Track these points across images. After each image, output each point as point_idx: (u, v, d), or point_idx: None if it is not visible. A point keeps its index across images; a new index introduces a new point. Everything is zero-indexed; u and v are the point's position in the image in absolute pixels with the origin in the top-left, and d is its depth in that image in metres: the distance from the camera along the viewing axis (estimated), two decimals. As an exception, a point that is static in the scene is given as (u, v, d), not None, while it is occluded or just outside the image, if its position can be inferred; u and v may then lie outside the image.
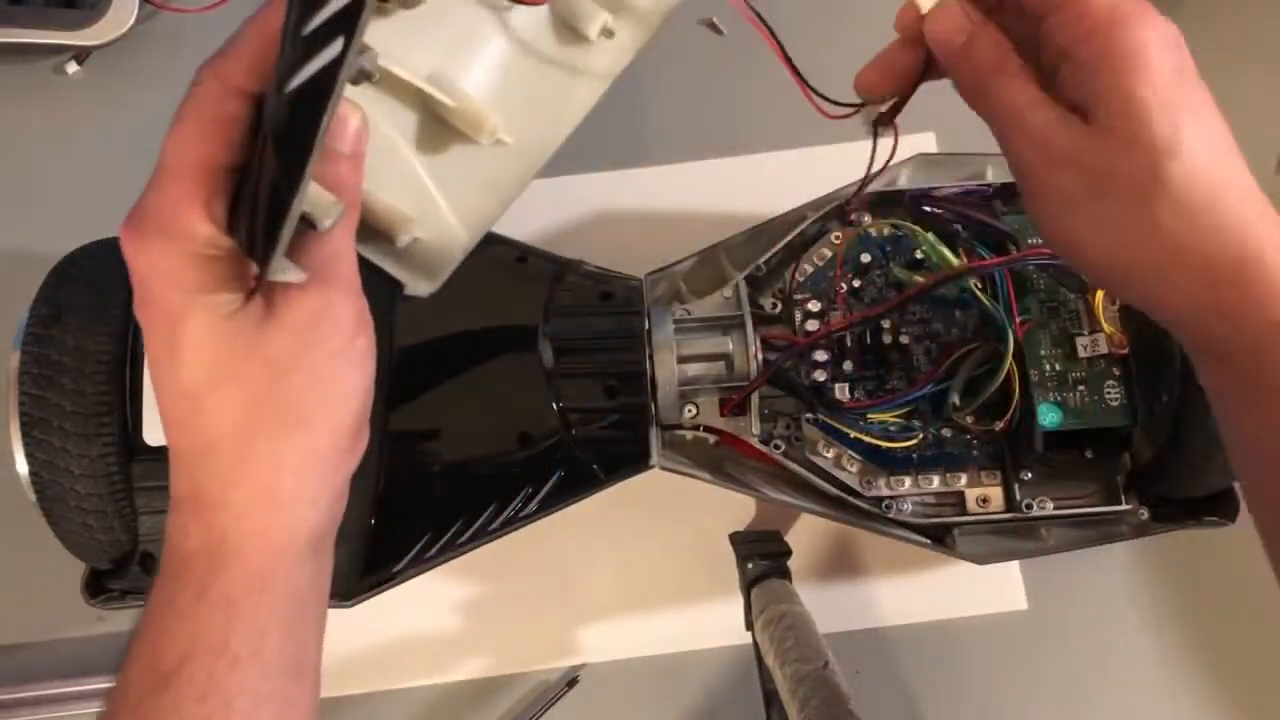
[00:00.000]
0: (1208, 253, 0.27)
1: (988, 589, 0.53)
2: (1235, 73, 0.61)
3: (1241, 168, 0.28)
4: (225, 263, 0.26)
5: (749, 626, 0.48)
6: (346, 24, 0.23)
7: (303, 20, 0.24)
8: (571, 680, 0.53)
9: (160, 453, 0.40)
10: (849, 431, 0.45)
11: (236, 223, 0.26)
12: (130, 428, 0.41)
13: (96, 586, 0.43)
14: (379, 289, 0.34)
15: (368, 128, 0.28)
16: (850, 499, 0.45)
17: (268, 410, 0.27)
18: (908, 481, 0.45)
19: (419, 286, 0.34)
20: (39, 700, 0.53)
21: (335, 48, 0.23)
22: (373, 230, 0.31)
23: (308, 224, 0.26)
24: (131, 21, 0.60)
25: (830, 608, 0.53)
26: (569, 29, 0.33)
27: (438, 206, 0.33)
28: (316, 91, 0.23)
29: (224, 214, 0.26)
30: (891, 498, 0.45)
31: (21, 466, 0.40)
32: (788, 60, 0.34)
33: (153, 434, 0.41)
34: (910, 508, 0.45)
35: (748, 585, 0.48)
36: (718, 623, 0.53)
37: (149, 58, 0.63)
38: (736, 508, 0.54)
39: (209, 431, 0.27)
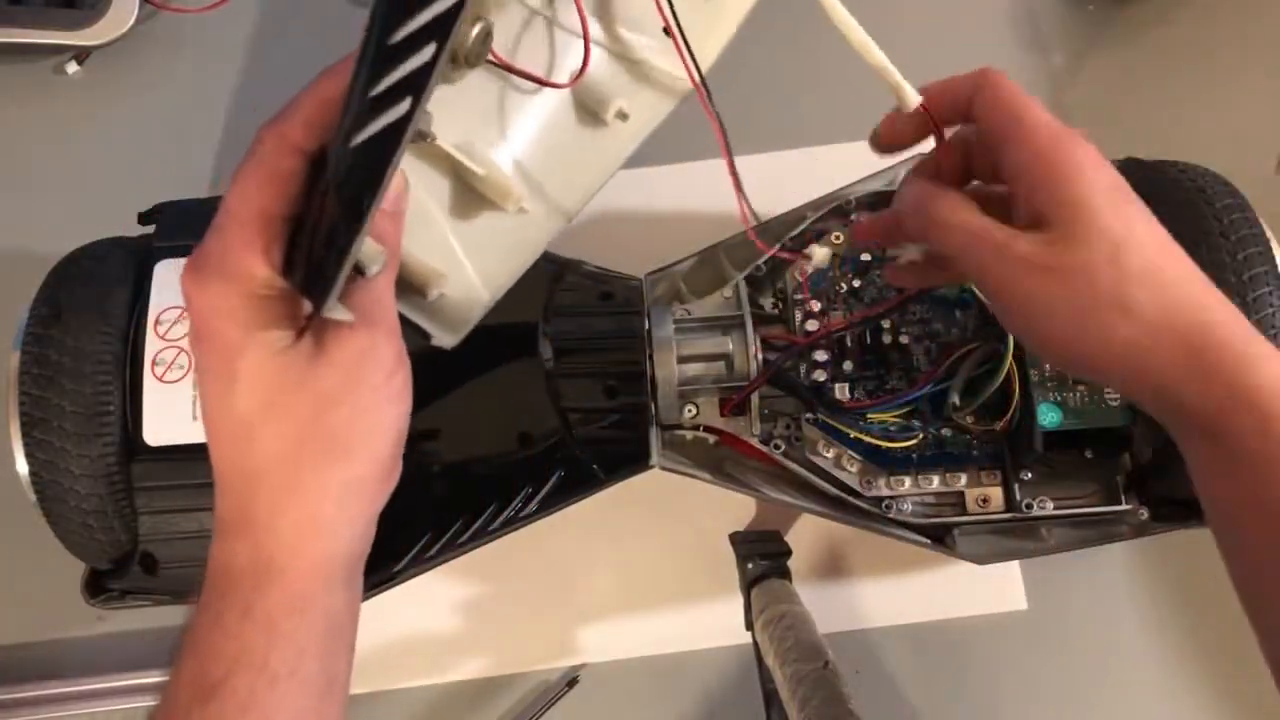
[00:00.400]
0: (1177, 326, 0.30)
1: (988, 589, 0.53)
2: (1235, 73, 0.61)
3: (1183, 253, 0.31)
4: (279, 303, 0.29)
5: (749, 626, 0.48)
6: (415, 87, 0.25)
7: (372, 82, 0.26)
8: (571, 680, 0.53)
9: (160, 453, 0.40)
10: (849, 431, 0.45)
11: (292, 266, 0.28)
12: (130, 428, 0.41)
13: (96, 586, 0.43)
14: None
15: (408, 189, 0.31)
16: (850, 499, 0.45)
17: (315, 441, 0.29)
18: (908, 481, 0.45)
19: (444, 338, 0.35)
20: (39, 700, 0.53)
21: (403, 107, 0.25)
22: (406, 284, 0.34)
23: (357, 270, 0.28)
24: (131, 22, 0.60)
25: (830, 608, 0.53)
26: (588, 110, 0.36)
27: (463, 267, 0.35)
28: (382, 146, 0.26)
29: (280, 259, 0.28)
30: (891, 498, 0.45)
31: (21, 466, 0.40)
32: (732, 167, 0.36)
33: (153, 434, 0.41)
34: (910, 508, 0.45)
35: (748, 585, 0.48)
36: (718, 623, 0.53)
37: (149, 58, 0.64)
38: (736, 508, 0.54)
39: (259, 459, 0.29)
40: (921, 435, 0.45)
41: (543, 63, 0.35)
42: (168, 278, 0.42)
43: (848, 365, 0.46)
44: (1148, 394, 0.31)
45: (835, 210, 0.47)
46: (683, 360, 0.45)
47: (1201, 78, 0.61)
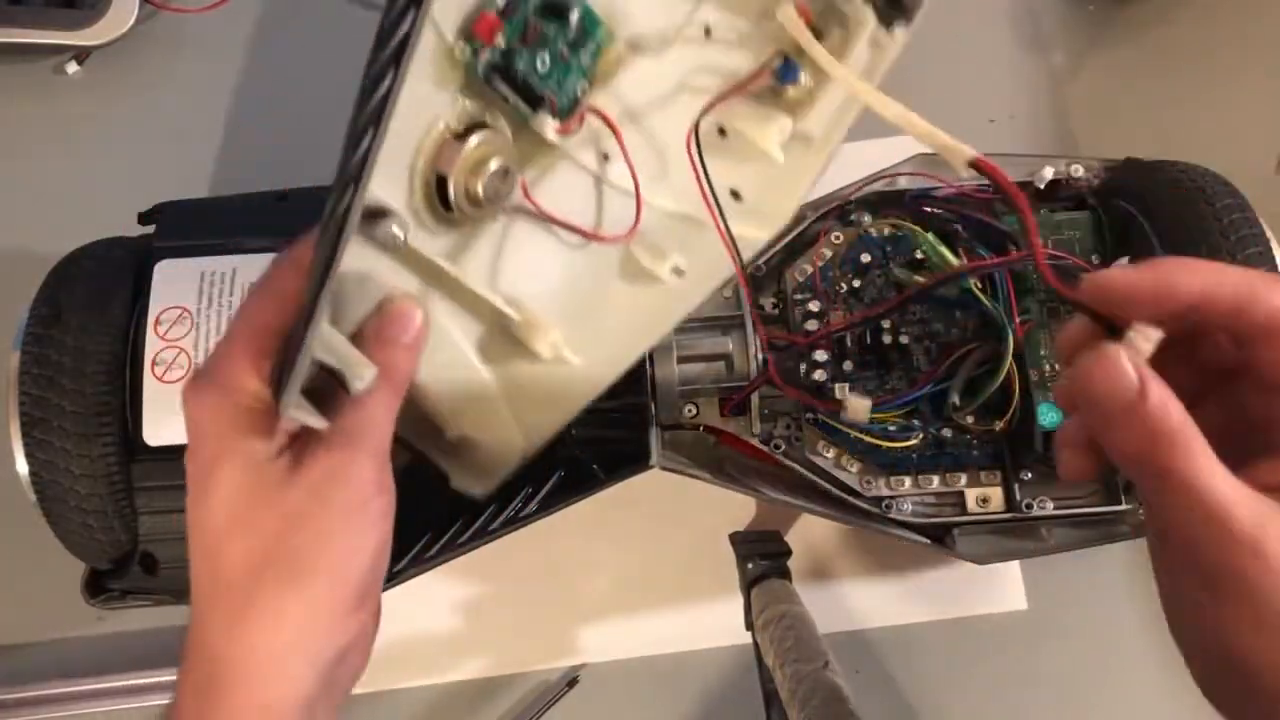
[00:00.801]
0: None
1: (988, 589, 0.53)
2: (1235, 73, 0.61)
3: None
4: (266, 416, 0.28)
5: (749, 626, 0.48)
6: (353, 178, 0.26)
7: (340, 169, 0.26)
8: (571, 680, 0.53)
9: (160, 453, 0.40)
10: (849, 431, 0.45)
11: (275, 378, 0.29)
12: (130, 428, 0.41)
13: (96, 586, 0.43)
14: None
15: (428, 325, 0.31)
16: (850, 499, 0.45)
17: (279, 562, 0.28)
18: (908, 481, 0.45)
19: (470, 485, 0.35)
20: (39, 700, 0.53)
21: (346, 197, 0.26)
22: (426, 421, 0.34)
23: (341, 385, 0.28)
24: (131, 21, 0.60)
25: (830, 608, 0.53)
26: (642, 267, 0.35)
27: (498, 412, 0.35)
28: (329, 237, 0.26)
29: (270, 372, 0.28)
30: (891, 498, 0.45)
31: (21, 466, 0.40)
32: (722, 221, 0.34)
33: (153, 434, 0.41)
34: (910, 508, 0.45)
35: (748, 585, 0.48)
36: (718, 623, 0.53)
37: (149, 58, 0.64)
38: (736, 508, 0.54)
39: (223, 576, 0.28)
40: (921, 435, 0.45)
41: (593, 214, 0.34)
42: (168, 277, 0.42)
43: (848, 365, 0.46)
44: None
45: (835, 210, 0.47)
46: (682, 360, 0.45)
47: (1202, 77, 0.61)
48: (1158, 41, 0.62)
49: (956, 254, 0.45)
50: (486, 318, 0.34)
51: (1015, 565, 0.54)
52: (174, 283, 0.42)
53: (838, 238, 0.47)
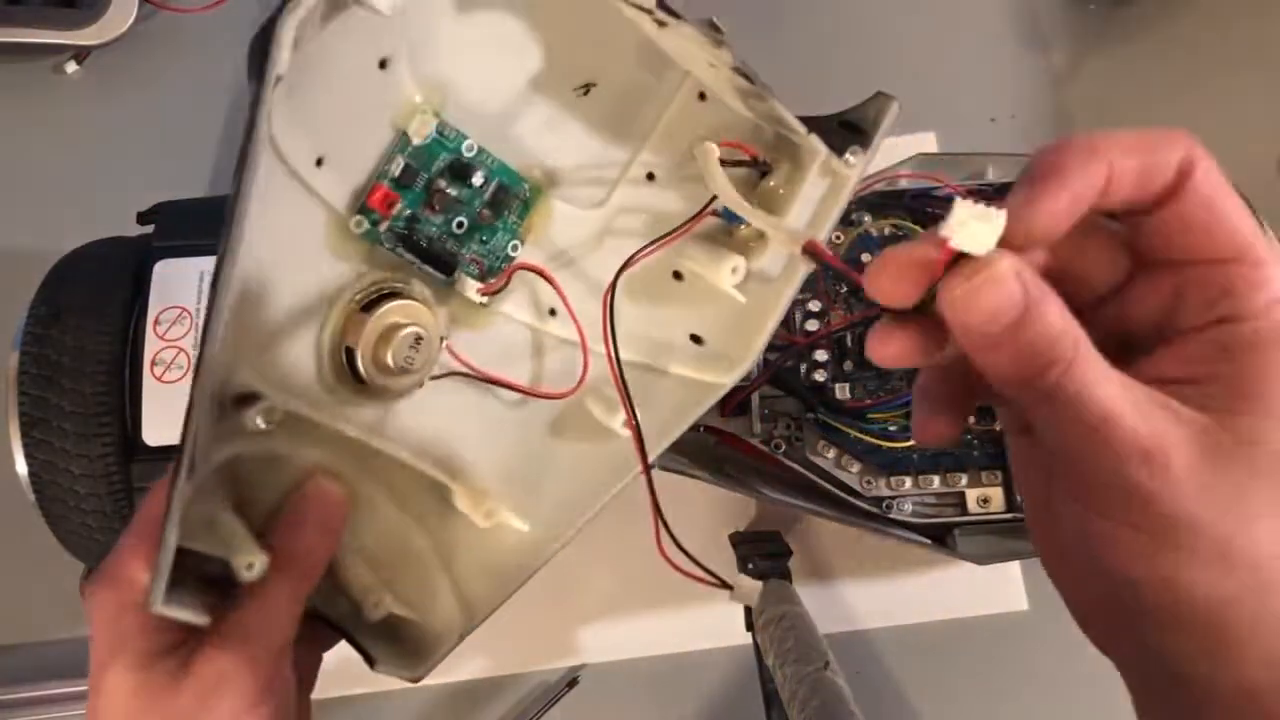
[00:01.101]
0: None
1: (988, 589, 0.53)
2: (1237, 73, 0.61)
3: None
4: (158, 617, 0.26)
5: (749, 627, 0.48)
6: (199, 356, 0.25)
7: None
8: (571, 680, 0.53)
9: (159, 453, 0.40)
10: (849, 431, 0.45)
11: None
12: (130, 428, 0.41)
13: (96, 587, 0.43)
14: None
15: (345, 505, 0.30)
16: (850, 499, 0.45)
17: None
18: (908, 481, 0.45)
19: (399, 670, 0.32)
20: (39, 700, 0.53)
21: (199, 381, 0.25)
22: (349, 598, 0.31)
23: (229, 574, 0.26)
24: (131, 21, 0.60)
25: (830, 608, 0.53)
26: (594, 419, 0.33)
27: (435, 586, 0.33)
28: (183, 425, 0.25)
29: None
30: (892, 498, 0.45)
31: (21, 467, 0.40)
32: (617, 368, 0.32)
33: (152, 434, 0.41)
34: (910, 508, 0.45)
35: (748, 585, 0.48)
36: (718, 623, 0.53)
37: (148, 57, 0.63)
38: (736, 508, 0.54)
39: None
40: (922, 435, 0.45)
41: (536, 369, 0.33)
42: (167, 277, 0.42)
43: (848, 365, 0.46)
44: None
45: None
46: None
47: (1202, 77, 0.61)
48: (1158, 41, 0.62)
49: (957, 254, 0.45)
50: (420, 487, 0.32)
51: (1015, 565, 0.54)
52: (173, 282, 0.42)
53: (838, 237, 0.47)
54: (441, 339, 0.30)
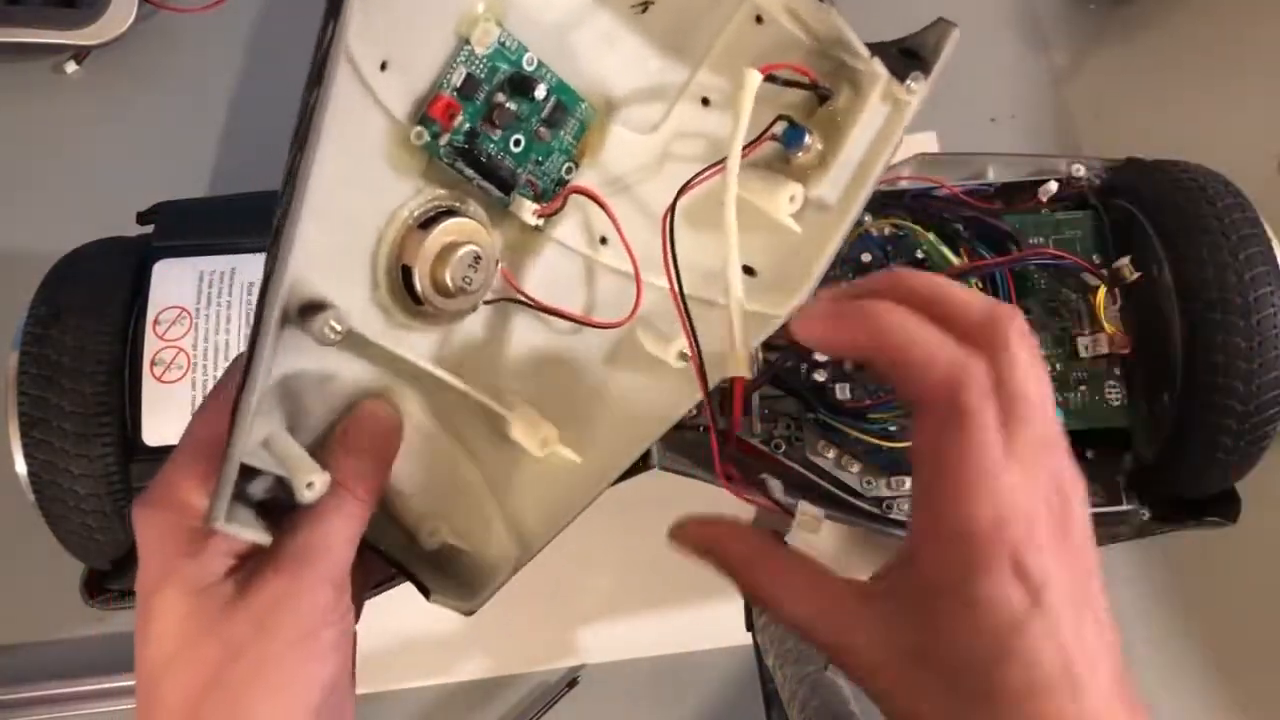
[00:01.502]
0: None
1: (988, 589, 0.53)
2: (1237, 73, 0.61)
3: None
4: (215, 537, 0.26)
5: (749, 627, 0.48)
6: (271, 267, 0.25)
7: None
8: (571, 681, 0.53)
9: (159, 453, 0.40)
10: (849, 431, 0.45)
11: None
12: (130, 428, 0.41)
13: (96, 587, 0.43)
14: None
15: (400, 430, 0.29)
16: (851, 499, 0.45)
17: (215, 700, 0.25)
18: (908, 482, 0.45)
19: (454, 601, 0.32)
20: (38, 700, 0.53)
21: (269, 289, 0.25)
22: (408, 532, 0.31)
23: (289, 494, 0.26)
24: (130, 21, 0.60)
25: (830, 608, 0.53)
26: (646, 351, 0.32)
27: (488, 517, 0.32)
28: (252, 332, 0.25)
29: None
30: (892, 498, 0.45)
31: (20, 467, 0.40)
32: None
33: (152, 434, 0.40)
34: (910, 508, 0.45)
35: (748, 585, 0.48)
36: (718, 623, 0.53)
37: (148, 57, 0.63)
38: (736, 508, 0.54)
39: (160, 712, 0.25)
40: (922, 435, 0.45)
41: (588, 298, 0.32)
42: (166, 277, 0.42)
43: (848, 365, 0.46)
44: None
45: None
46: (683, 360, 0.45)
47: (1202, 77, 0.61)
48: (1158, 41, 0.62)
49: (957, 254, 0.45)
50: (473, 415, 0.32)
51: (1016, 565, 0.54)
52: (172, 282, 0.42)
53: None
54: (496, 262, 0.30)
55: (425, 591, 0.31)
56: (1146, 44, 0.62)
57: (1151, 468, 0.44)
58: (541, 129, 0.30)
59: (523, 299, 0.31)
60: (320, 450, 0.28)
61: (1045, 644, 0.23)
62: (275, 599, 0.25)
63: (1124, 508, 0.44)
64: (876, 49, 0.30)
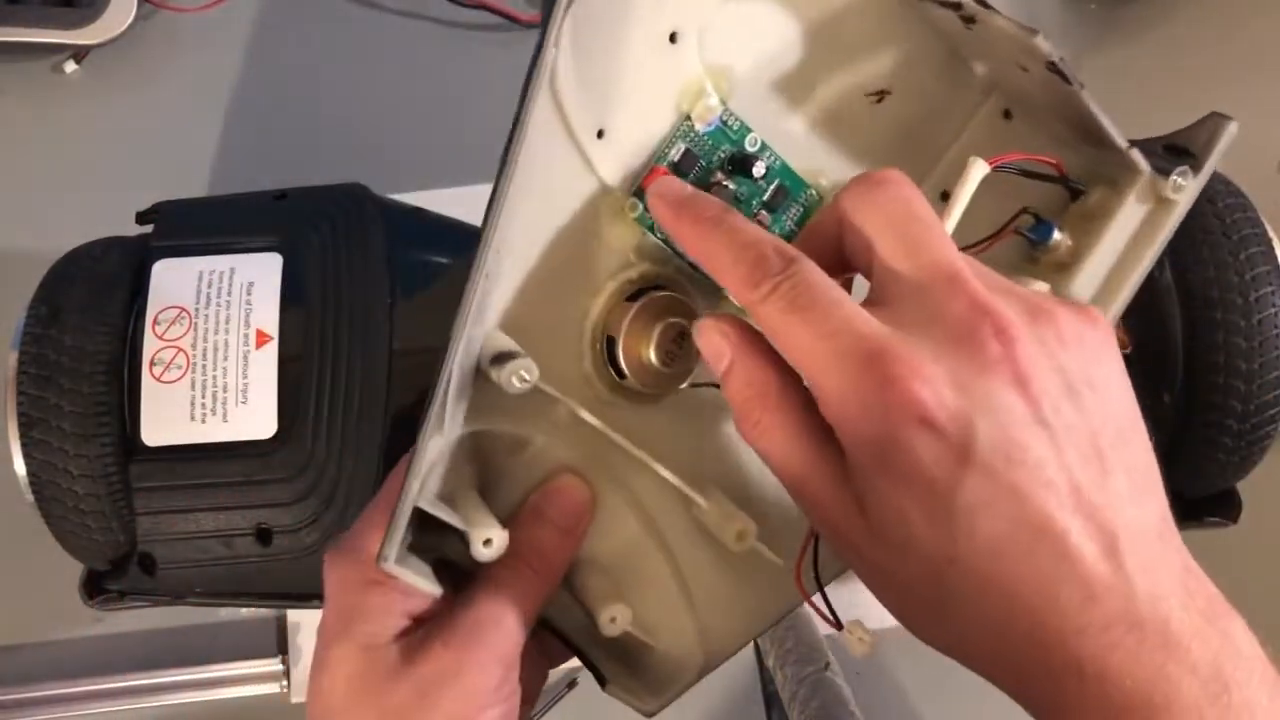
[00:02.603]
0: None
1: (988, 589, 0.53)
2: (1237, 73, 0.61)
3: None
4: (392, 595, 0.26)
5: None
6: (468, 307, 0.24)
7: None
8: (571, 681, 0.53)
9: (159, 453, 0.40)
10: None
11: None
12: (129, 428, 0.41)
13: (95, 587, 0.43)
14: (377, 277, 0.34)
15: (591, 508, 0.28)
16: (850, 499, 0.45)
17: None
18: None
19: (633, 697, 0.30)
20: (38, 701, 0.53)
21: (456, 328, 0.24)
22: (583, 611, 0.30)
23: (467, 550, 0.25)
24: (130, 20, 0.60)
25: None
26: None
27: (675, 612, 0.30)
28: (439, 364, 0.24)
29: None
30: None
31: (19, 467, 0.40)
32: None
33: (151, 434, 0.40)
34: (911, 508, 0.45)
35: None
36: (718, 623, 0.53)
37: (148, 57, 0.63)
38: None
39: None
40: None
41: None
42: (166, 277, 0.42)
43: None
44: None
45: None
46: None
47: (1203, 77, 0.61)
48: (1158, 41, 0.62)
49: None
50: (668, 503, 0.30)
51: (1016, 565, 0.54)
52: (172, 282, 0.42)
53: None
54: None
55: (601, 681, 0.30)
56: (1146, 44, 0.62)
57: (1151, 468, 0.44)
58: (763, 212, 0.29)
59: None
60: (510, 521, 0.27)
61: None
62: (441, 673, 0.25)
63: (1124, 508, 0.44)
64: (1136, 144, 0.28)
